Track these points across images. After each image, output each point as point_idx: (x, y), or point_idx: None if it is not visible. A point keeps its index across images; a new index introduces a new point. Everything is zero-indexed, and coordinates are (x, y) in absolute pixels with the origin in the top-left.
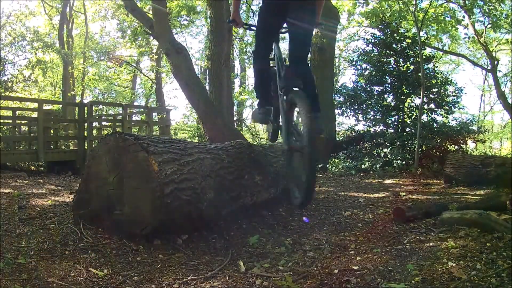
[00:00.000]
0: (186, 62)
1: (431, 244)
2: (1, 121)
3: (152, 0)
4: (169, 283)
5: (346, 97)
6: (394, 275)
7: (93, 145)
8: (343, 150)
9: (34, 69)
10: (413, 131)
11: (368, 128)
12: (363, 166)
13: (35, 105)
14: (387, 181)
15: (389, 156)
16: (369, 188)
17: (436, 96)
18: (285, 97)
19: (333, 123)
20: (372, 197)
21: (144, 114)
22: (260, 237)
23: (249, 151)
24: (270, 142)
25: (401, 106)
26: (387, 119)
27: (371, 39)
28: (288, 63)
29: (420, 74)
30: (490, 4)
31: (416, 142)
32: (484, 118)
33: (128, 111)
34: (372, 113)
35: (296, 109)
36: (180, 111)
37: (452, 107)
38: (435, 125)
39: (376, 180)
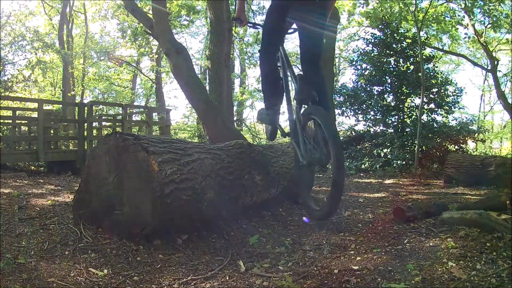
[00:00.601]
0: (186, 62)
1: (431, 244)
2: (1, 121)
3: (152, 0)
4: (169, 283)
5: (346, 97)
6: (394, 275)
7: (93, 145)
8: (343, 150)
9: (34, 69)
10: (413, 131)
11: (368, 128)
12: (363, 166)
13: (35, 105)
14: (387, 181)
15: (389, 156)
16: (369, 188)
17: (436, 96)
18: (300, 110)
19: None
20: (372, 197)
21: (144, 114)
22: (260, 237)
23: (249, 151)
24: (269, 140)
25: (401, 106)
26: (387, 119)
27: (371, 39)
28: (301, 66)
29: (420, 74)
30: (490, 4)
31: (416, 142)
32: (484, 118)
33: (128, 111)
34: (372, 113)
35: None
36: (180, 111)
37: (452, 107)
38: (435, 125)
39: (376, 180)
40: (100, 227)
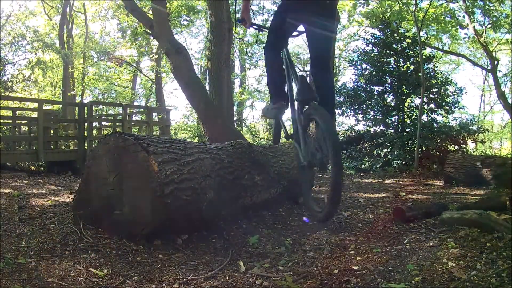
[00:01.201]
0: (186, 62)
1: (431, 244)
2: (1, 121)
3: (152, 0)
4: (169, 283)
5: (346, 97)
6: (394, 275)
7: (93, 145)
8: (343, 150)
9: (34, 69)
10: (413, 131)
11: (368, 128)
12: (363, 166)
13: (35, 105)
14: (387, 181)
15: (389, 156)
16: (369, 188)
17: (436, 96)
18: (301, 111)
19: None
20: (372, 197)
21: (144, 114)
22: (260, 237)
23: (249, 151)
24: (273, 144)
25: (401, 106)
26: (387, 119)
27: (371, 39)
28: (310, 69)
29: (420, 74)
30: (490, 4)
31: (416, 142)
32: (484, 118)
33: (128, 111)
34: (372, 113)
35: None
36: (180, 111)
37: (452, 107)
38: (435, 125)
39: (376, 180)
40: (100, 227)
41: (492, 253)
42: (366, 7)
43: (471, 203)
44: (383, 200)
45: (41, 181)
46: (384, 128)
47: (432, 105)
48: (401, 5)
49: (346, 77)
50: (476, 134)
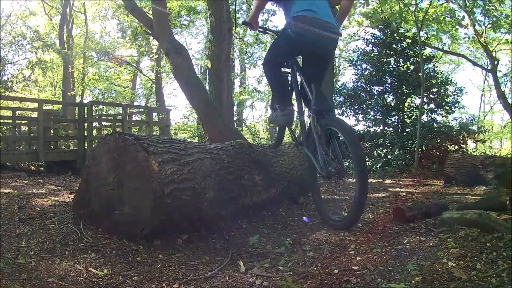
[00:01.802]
0: (186, 62)
1: (431, 244)
2: (1, 121)
3: (152, 0)
4: (169, 283)
5: (346, 97)
6: (394, 275)
7: (93, 145)
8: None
9: (34, 69)
10: (413, 131)
11: (368, 128)
12: None
13: (35, 105)
14: (387, 181)
15: (389, 156)
16: (369, 188)
17: (436, 96)
18: (317, 120)
19: None
20: (372, 197)
21: (144, 114)
22: (260, 237)
23: (249, 151)
24: (274, 147)
25: (401, 106)
26: (387, 119)
27: (371, 39)
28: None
29: (420, 74)
30: (490, 4)
31: (416, 142)
32: (484, 118)
33: (128, 111)
34: (372, 113)
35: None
36: (180, 111)
37: (452, 107)
38: (435, 125)
39: (376, 180)
40: (100, 227)
41: (492, 253)
42: (366, 7)
43: (471, 203)
44: (383, 200)
45: (41, 181)
46: (384, 128)
47: (432, 105)
48: (401, 6)
49: (346, 77)
50: (476, 134)
